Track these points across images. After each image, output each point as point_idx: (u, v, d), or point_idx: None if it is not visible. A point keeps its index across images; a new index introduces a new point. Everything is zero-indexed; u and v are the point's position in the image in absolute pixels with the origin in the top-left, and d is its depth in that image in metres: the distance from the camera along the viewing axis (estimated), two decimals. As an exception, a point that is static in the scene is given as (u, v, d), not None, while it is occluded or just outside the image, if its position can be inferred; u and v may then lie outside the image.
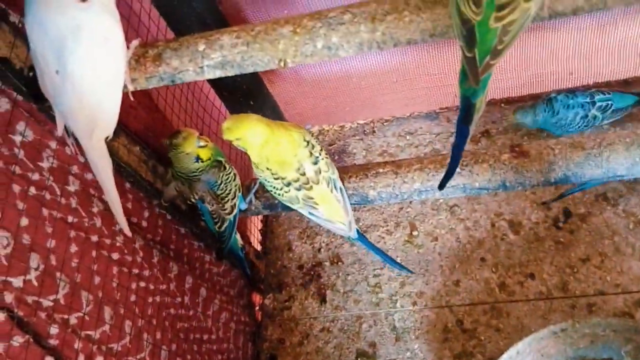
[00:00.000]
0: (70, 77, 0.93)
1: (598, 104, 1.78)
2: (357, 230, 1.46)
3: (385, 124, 2.18)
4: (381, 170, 1.46)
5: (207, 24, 1.54)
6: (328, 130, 2.25)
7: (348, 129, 2.22)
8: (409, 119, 2.16)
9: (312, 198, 1.36)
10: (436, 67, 1.90)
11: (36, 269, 1.09)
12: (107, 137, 1.03)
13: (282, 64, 0.96)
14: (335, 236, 2.05)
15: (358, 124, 2.22)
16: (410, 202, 2.03)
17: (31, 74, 1.07)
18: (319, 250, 2.06)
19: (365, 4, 0.94)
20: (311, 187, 1.35)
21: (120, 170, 1.33)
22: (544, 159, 1.37)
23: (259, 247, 2.12)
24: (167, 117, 1.55)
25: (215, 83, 1.79)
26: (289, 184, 1.35)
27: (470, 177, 1.39)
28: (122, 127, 1.35)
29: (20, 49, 1.05)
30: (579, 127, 1.80)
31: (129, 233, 1.12)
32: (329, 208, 1.39)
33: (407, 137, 2.12)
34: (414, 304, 1.89)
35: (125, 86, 1.02)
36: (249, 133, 1.27)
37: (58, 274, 1.14)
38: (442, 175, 1.41)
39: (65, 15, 0.89)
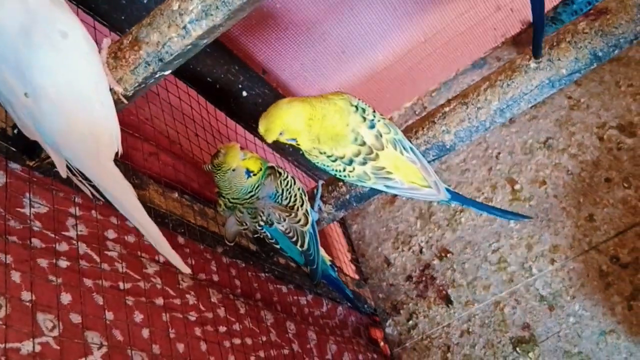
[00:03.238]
0: (43, 92, 0.75)
1: None
2: (447, 189, 1.20)
3: (433, 94, 1.95)
4: (447, 108, 1.22)
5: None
6: (378, 129, 2.03)
7: (398, 118, 2.00)
8: (456, 77, 1.92)
9: (382, 168, 1.13)
10: (461, 4, 1.68)
11: (99, 348, 0.89)
12: (117, 154, 0.84)
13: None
14: (432, 229, 1.78)
15: (405, 107, 1.99)
16: (498, 157, 1.75)
17: (15, 131, 0.91)
18: (421, 251, 1.78)
19: None
20: (377, 155, 1.12)
21: (165, 220, 1.13)
22: (628, 4, 1.10)
23: (356, 277, 1.86)
24: (195, 154, 1.37)
25: (237, 116, 1.62)
26: (350, 161, 1.13)
27: (553, 67, 1.14)
28: (148, 177, 1.18)
29: (-5, 110, 0.91)
30: None
31: (185, 269, 0.91)
32: (405, 173, 1.15)
33: (463, 96, 1.87)
34: (552, 261, 1.57)
35: (112, 91, 0.84)
36: (288, 118, 1.08)
37: (129, 349, 0.94)
38: (517, 81, 1.17)
39: (8, 25, 0.73)
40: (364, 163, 1.13)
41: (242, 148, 1.20)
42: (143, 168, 1.18)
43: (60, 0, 0.78)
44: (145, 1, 1.20)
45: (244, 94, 1.56)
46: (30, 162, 0.92)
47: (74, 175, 0.86)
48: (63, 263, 0.91)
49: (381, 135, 1.12)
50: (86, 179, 0.86)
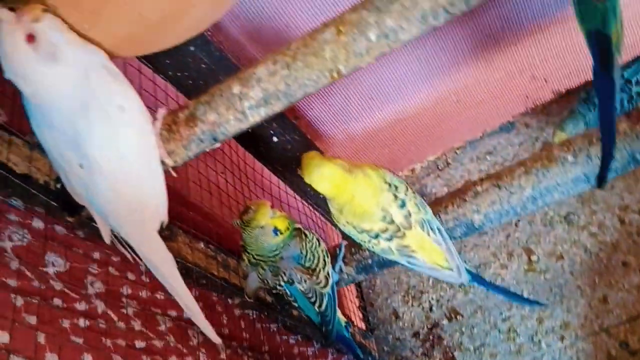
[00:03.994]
0: (97, 165, 0.76)
1: (635, 79, 1.48)
2: (469, 271, 1.20)
3: (458, 151, 1.95)
4: (480, 188, 1.23)
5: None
6: (398, 178, 2.03)
7: (420, 170, 2.00)
8: (482, 138, 1.92)
9: (407, 246, 1.14)
10: (499, 71, 1.69)
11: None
12: (162, 224, 0.85)
13: (335, 74, 0.78)
14: (445, 288, 1.78)
15: (429, 161, 2.00)
16: (517, 225, 1.75)
17: (58, 185, 0.92)
18: (431, 309, 1.79)
19: (414, -30, 0.75)
20: (404, 234, 1.13)
21: (189, 272, 1.14)
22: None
23: (363, 326, 1.86)
24: (225, 203, 1.38)
25: (265, 159, 1.63)
26: (377, 236, 1.13)
27: (591, 163, 1.14)
28: (177, 226, 1.19)
29: (40, 162, 0.91)
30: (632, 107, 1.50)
31: (217, 340, 0.92)
32: (430, 254, 1.16)
33: (488, 158, 1.88)
34: (562, 338, 1.58)
35: (163, 163, 0.84)
36: (318, 184, 1.09)
37: (146, 410, 0.94)
38: (553, 172, 1.18)
39: (68, 98, 0.73)
40: (389, 239, 1.14)
41: (272, 206, 1.21)
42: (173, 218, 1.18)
43: (118, 72, 0.79)
44: (213, 67, 1.21)
45: (275, 139, 1.56)
46: (70, 218, 0.92)
47: (118, 241, 0.87)
48: (83, 322, 0.92)
49: (410, 215, 1.12)
50: (130, 245, 0.87)
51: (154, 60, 1.19)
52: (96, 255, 1.00)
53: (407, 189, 1.14)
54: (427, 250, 1.15)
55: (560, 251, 1.66)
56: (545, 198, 1.18)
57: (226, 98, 0.83)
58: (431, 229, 1.15)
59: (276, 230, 1.18)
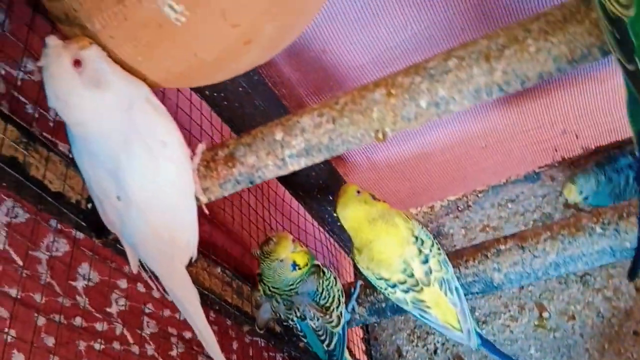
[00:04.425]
0: (134, 199, 0.76)
1: None
2: (479, 335, 1.20)
3: (480, 195, 1.94)
4: (502, 247, 1.22)
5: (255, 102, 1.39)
6: (417, 214, 2.02)
7: (439, 209, 1.99)
8: (506, 185, 1.91)
9: (422, 301, 1.14)
10: (530, 121, 1.68)
11: None
12: (191, 259, 0.85)
13: (380, 135, 0.77)
14: (451, 332, 1.76)
15: (449, 200, 1.98)
16: (531, 278, 1.73)
17: (89, 205, 0.92)
18: (435, 351, 1.77)
19: (472, 43, 0.75)
20: (421, 289, 1.13)
21: (203, 297, 1.13)
22: None
23: (364, 359, 1.85)
24: (245, 228, 1.38)
25: (288, 183, 1.63)
26: (394, 285, 1.13)
27: (618, 237, 1.13)
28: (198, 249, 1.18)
29: (74, 180, 0.91)
30: (635, 191, 1.49)
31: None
32: (444, 312, 1.15)
33: (509, 206, 1.87)
34: (566, 401, 1.56)
35: (196, 199, 0.84)
36: (342, 219, 1.10)
37: None
38: (580, 241, 1.16)
39: (112, 131, 0.73)
40: (406, 291, 1.13)
41: (293, 240, 1.21)
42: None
43: (162, 106, 0.79)
44: (249, 91, 1.22)
45: (301, 165, 1.56)
46: (97, 240, 0.92)
47: (145, 271, 0.87)
48: (98, 345, 0.92)
49: (431, 272, 1.12)
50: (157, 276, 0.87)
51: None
52: (127, 269, 1.01)
53: (433, 245, 1.13)
54: (442, 309, 1.14)
55: (572, 311, 1.64)
56: (569, 266, 1.17)
57: (267, 143, 0.83)
58: (449, 289, 1.15)
59: (295, 265, 1.18)
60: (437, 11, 1.36)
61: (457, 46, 0.76)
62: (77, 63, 0.70)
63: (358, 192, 1.11)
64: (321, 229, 1.81)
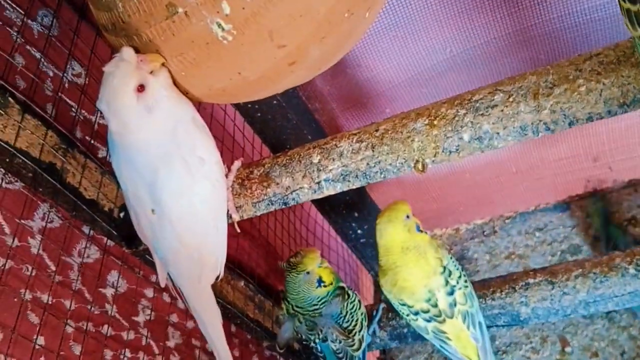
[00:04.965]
0: (168, 213, 0.76)
1: None
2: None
3: (507, 221, 1.91)
4: (532, 280, 1.19)
5: (304, 135, 1.39)
6: (441, 235, 2.00)
7: (464, 231, 1.97)
8: (534, 212, 1.88)
9: (444, 332, 1.12)
10: (564, 150, 1.65)
11: None
12: (217, 277, 0.84)
13: (419, 166, 0.76)
14: None
15: (475, 224, 1.96)
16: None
17: (122, 214, 0.92)
18: (452, 377, 1.74)
19: (520, 77, 0.73)
20: (444, 320, 1.11)
21: (226, 311, 1.13)
22: None
23: (379, 378, 1.83)
24: (271, 242, 1.37)
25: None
26: (416, 313, 1.12)
27: (651, 279, 1.10)
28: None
29: (108, 187, 0.92)
30: None
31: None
32: (464, 346, 1.13)
33: (537, 234, 1.84)
34: None
35: (229, 216, 0.84)
36: (381, 238, 1.08)
37: None
38: (612, 281, 1.13)
39: (153, 146, 0.74)
40: (428, 320, 1.12)
41: (322, 256, 1.20)
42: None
43: (204, 125, 0.79)
44: (284, 104, 1.22)
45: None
46: (127, 249, 0.92)
47: (172, 285, 0.86)
48: (125, 355, 0.92)
49: (455, 305, 1.10)
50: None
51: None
52: (154, 278, 1.01)
53: (461, 277, 1.12)
54: (463, 342, 1.12)
55: (596, 348, 1.61)
56: (599, 306, 1.14)
57: (304, 165, 0.82)
58: (472, 323, 1.13)
59: (320, 281, 1.17)
60: (477, 34, 1.35)
61: (504, 79, 0.75)
62: (141, 88, 0.71)
63: (408, 216, 1.10)
64: (344, 245, 1.80)
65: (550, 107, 0.70)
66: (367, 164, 0.79)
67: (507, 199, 1.88)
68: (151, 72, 0.70)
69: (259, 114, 1.34)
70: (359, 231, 1.75)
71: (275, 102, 1.33)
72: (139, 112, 0.70)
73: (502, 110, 0.72)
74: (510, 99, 0.72)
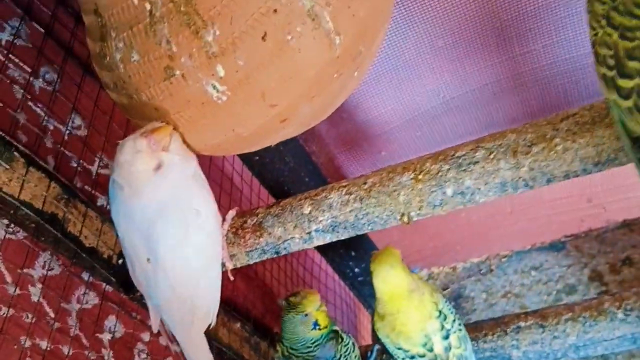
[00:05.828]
0: (162, 264, 0.79)
1: None
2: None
3: (503, 260, 1.93)
4: (523, 323, 1.21)
5: (302, 177, 1.43)
6: (438, 273, 2.02)
7: (461, 270, 1.98)
8: (530, 252, 1.90)
9: None
10: (558, 191, 1.69)
11: None
12: (209, 326, 0.87)
13: (405, 219, 0.79)
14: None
15: (472, 262, 1.98)
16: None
17: (120, 261, 0.95)
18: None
19: (500, 135, 0.77)
20: None
21: (221, 354, 1.15)
22: None
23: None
24: (267, 282, 1.40)
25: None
26: (412, 357, 1.13)
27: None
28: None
29: (107, 235, 0.95)
30: None
31: None
32: None
33: (532, 273, 1.85)
34: None
35: (223, 264, 0.87)
36: (374, 279, 1.08)
37: None
38: (601, 325, 1.15)
39: (154, 201, 0.77)
40: None
41: (320, 298, 1.21)
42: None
43: (203, 178, 0.82)
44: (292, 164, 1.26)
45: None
46: (125, 295, 0.95)
47: (165, 331, 0.89)
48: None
49: (450, 349, 1.11)
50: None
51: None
52: (150, 322, 1.03)
53: (455, 320, 1.13)
54: None
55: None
56: (588, 350, 1.16)
57: (295, 216, 0.85)
58: None
59: (316, 324, 1.18)
60: (470, 80, 1.39)
61: (485, 136, 0.78)
62: (157, 167, 0.75)
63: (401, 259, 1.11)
64: (342, 283, 1.82)
65: (529, 165, 0.73)
66: (356, 215, 0.82)
67: (503, 238, 1.90)
68: (164, 150, 0.74)
69: (257, 158, 1.38)
70: (356, 269, 1.77)
71: (272, 145, 1.36)
72: (154, 183, 0.75)
73: (483, 167, 0.75)
74: (491, 156, 0.75)
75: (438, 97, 1.46)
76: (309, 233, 0.84)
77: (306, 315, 1.16)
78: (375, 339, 1.35)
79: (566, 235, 1.86)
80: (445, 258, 2.01)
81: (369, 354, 1.32)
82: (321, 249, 1.71)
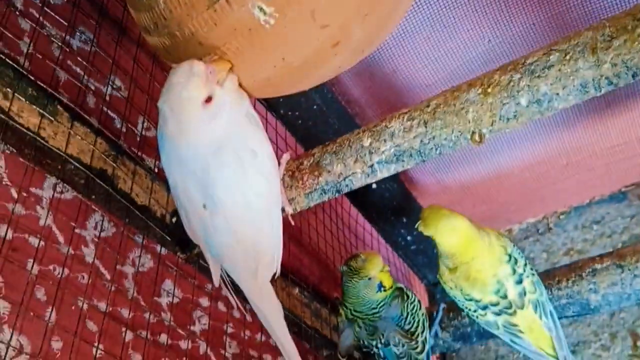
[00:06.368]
0: (221, 208, 0.74)
1: None
2: (575, 365, 1.11)
3: (561, 217, 1.84)
4: (599, 265, 1.13)
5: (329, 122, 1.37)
6: (493, 238, 1.93)
7: (517, 232, 1.90)
8: (590, 205, 1.80)
9: (515, 325, 1.06)
10: (615, 137, 1.59)
11: None
12: (274, 275, 0.82)
13: (476, 137, 0.73)
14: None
15: (528, 223, 1.89)
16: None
17: (174, 219, 0.91)
18: (519, 383, 1.67)
19: (575, 35, 0.70)
20: (514, 312, 1.05)
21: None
22: None
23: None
24: (322, 249, 1.35)
25: (362, 205, 1.59)
26: (485, 307, 1.06)
27: None
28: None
29: (159, 194, 0.91)
30: None
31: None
32: (537, 338, 1.07)
33: (594, 227, 1.76)
34: None
35: (282, 209, 0.82)
36: (444, 236, 1.01)
37: None
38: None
39: (203, 140, 0.72)
40: (498, 314, 1.06)
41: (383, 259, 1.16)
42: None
43: (257, 118, 0.78)
44: (324, 109, 1.20)
45: (374, 186, 1.53)
46: (181, 254, 0.91)
47: (226, 286, 0.84)
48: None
49: (525, 294, 1.04)
50: (237, 290, 0.84)
51: (268, 98, 1.19)
52: (209, 287, 0.99)
53: (526, 264, 1.06)
54: (536, 334, 1.06)
55: (672, 339, 1.52)
56: (675, 286, 1.07)
57: (355, 150, 0.80)
58: (544, 312, 1.06)
59: (381, 286, 1.13)
60: (515, 23, 1.32)
61: (557, 40, 0.72)
62: (208, 99, 0.70)
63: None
64: (395, 253, 1.76)
65: (611, 61, 0.66)
66: (421, 141, 0.76)
67: (560, 194, 1.81)
68: (218, 84, 0.70)
69: (300, 121, 1.33)
70: (408, 237, 1.71)
71: (315, 107, 1.32)
72: (202, 119, 0.70)
73: (559, 70, 0.69)
74: (567, 57, 0.69)
75: (482, 44, 1.39)
76: (371, 166, 0.79)
77: (370, 279, 1.12)
78: (440, 298, 1.29)
79: (626, 185, 1.77)
80: (500, 221, 1.93)
81: (434, 313, 1.26)
82: (371, 217, 1.65)
